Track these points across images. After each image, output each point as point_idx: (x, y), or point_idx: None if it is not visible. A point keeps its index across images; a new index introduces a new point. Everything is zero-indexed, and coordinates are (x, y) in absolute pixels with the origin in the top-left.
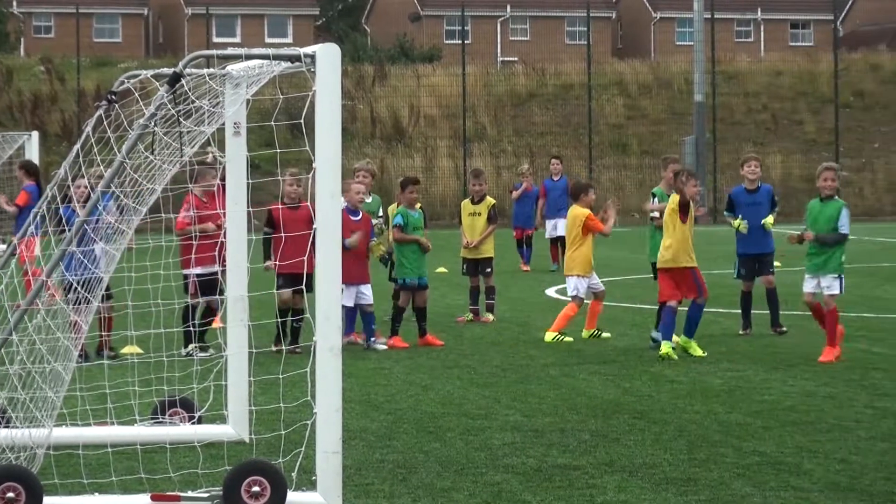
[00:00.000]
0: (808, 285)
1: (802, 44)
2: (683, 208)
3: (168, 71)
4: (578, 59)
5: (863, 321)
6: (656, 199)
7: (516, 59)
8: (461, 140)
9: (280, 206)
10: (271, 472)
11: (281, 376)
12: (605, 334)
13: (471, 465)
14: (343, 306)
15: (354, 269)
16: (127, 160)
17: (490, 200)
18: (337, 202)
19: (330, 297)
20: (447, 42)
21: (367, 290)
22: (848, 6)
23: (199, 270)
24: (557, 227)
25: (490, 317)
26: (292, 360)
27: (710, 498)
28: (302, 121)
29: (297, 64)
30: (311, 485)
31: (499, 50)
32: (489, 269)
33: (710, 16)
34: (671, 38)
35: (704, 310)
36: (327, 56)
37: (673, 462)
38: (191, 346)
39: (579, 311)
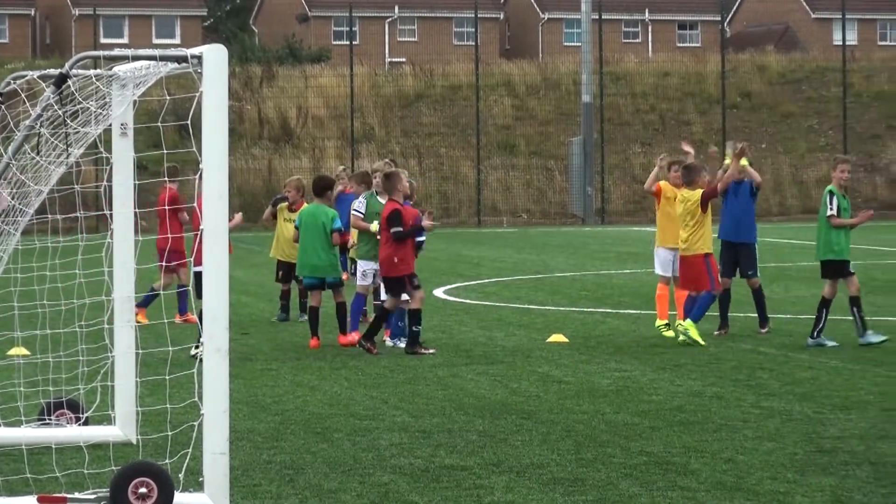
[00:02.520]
0: None
1: (690, 45)
2: (706, 201)
3: (55, 72)
4: (466, 59)
5: (749, 321)
6: (835, 199)
7: (404, 59)
8: (349, 141)
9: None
10: (158, 474)
11: (167, 377)
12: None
13: (358, 466)
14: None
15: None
16: (13, 161)
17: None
18: (224, 203)
19: (218, 299)
20: (335, 43)
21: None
22: (735, 7)
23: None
24: None
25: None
26: (179, 361)
27: (597, 498)
28: (189, 122)
29: (184, 65)
30: (199, 486)
31: (387, 51)
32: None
33: (597, 17)
34: (559, 38)
35: (593, 310)
36: (214, 57)
37: (560, 462)
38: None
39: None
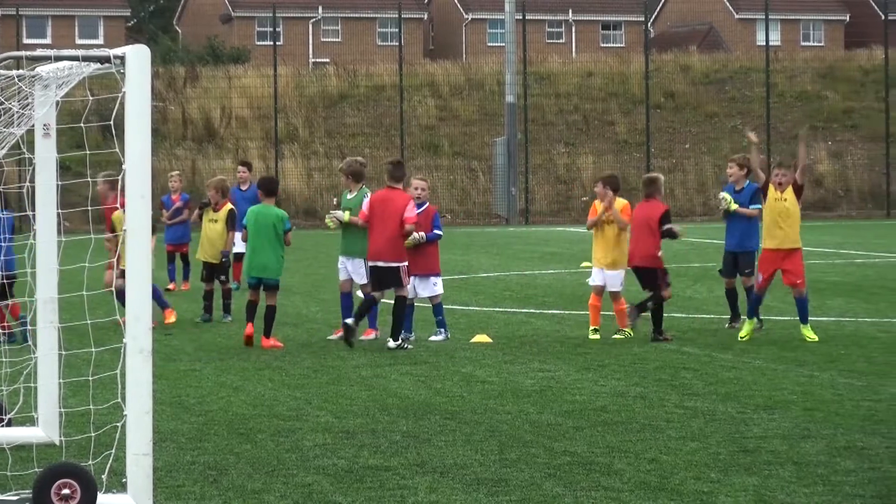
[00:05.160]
0: None
1: (613, 45)
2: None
3: None
4: (390, 60)
5: (673, 321)
6: None
7: (328, 60)
8: (273, 141)
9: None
10: (81, 475)
11: (91, 378)
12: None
13: (282, 467)
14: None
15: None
16: None
17: (229, 206)
18: (147, 203)
19: (140, 299)
20: (259, 43)
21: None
22: (658, 8)
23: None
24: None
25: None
26: (102, 362)
27: (521, 498)
28: (112, 122)
29: (107, 65)
30: (122, 487)
31: (310, 51)
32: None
33: (521, 17)
34: (483, 39)
35: (517, 310)
36: (137, 57)
37: (484, 462)
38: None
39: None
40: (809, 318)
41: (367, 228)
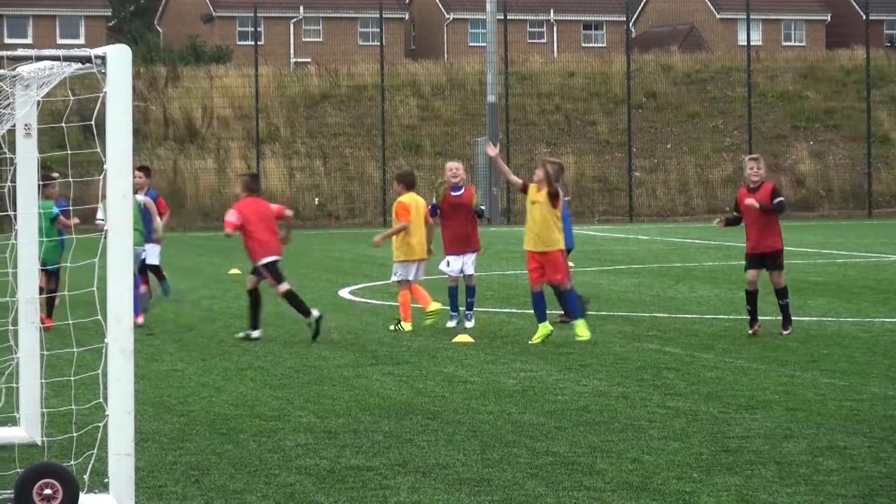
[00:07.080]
0: None
1: (595, 45)
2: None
3: None
4: (371, 59)
5: (655, 321)
6: None
7: (309, 60)
8: (254, 141)
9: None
10: (63, 475)
11: (73, 378)
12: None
13: (264, 467)
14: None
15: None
16: None
17: None
18: (128, 203)
19: (121, 298)
20: (240, 43)
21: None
22: (640, 8)
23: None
24: (150, 251)
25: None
26: (84, 362)
27: (503, 498)
28: (93, 122)
29: (88, 65)
30: (104, 487)
31: (292, 51)
32: None
33: (502, 17)
34: (464, 38)
35: (498, 310)
36: (118, 57)
37: (466, 462)
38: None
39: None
40: (792, 318)
41: (247, 233)
